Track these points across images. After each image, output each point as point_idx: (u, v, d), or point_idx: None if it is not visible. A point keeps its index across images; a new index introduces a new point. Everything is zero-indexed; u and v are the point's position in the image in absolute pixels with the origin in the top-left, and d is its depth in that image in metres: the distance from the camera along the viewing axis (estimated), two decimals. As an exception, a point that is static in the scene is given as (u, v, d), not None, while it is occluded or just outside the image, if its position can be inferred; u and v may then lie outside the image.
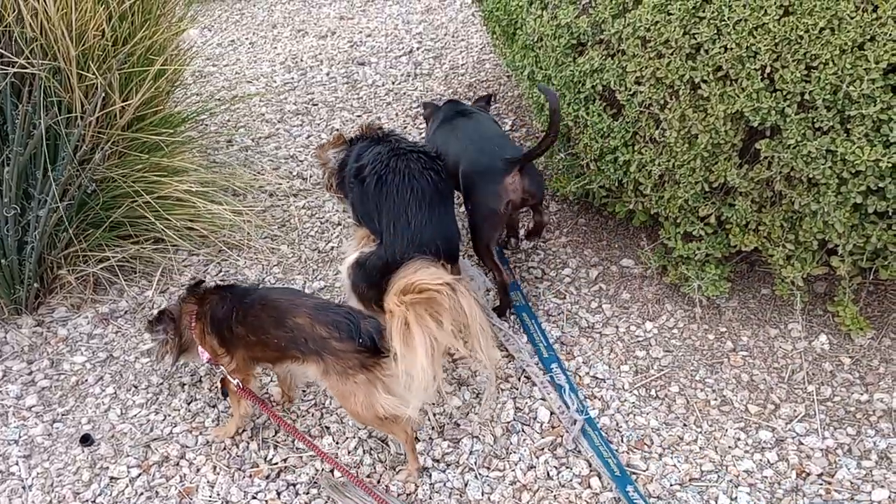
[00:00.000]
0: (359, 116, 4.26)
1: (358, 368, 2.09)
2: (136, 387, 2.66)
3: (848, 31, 2.10)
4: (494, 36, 3.51)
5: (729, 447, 2.35)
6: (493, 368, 2.26)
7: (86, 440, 2.46)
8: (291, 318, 2.17)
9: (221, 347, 2.30)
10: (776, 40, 2.21)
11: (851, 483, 2.21)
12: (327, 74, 4.81)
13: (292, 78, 4.80)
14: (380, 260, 2.49)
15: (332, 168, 2.86)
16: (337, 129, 3.95)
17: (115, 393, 2.64)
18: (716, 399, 2.51)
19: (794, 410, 2.44)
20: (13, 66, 2.65)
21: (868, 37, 2.09)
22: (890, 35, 2.04)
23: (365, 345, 2.09)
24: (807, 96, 2.20)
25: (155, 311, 2.26)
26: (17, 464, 2.41)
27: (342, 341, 2.09)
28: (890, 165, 2.11)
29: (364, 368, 2.09)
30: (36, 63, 2.65)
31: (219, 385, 2.47)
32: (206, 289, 2.38)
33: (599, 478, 2.27)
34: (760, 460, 2.30)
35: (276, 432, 2.47)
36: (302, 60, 5.05)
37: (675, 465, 2.30)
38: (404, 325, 1.96)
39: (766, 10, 2.21)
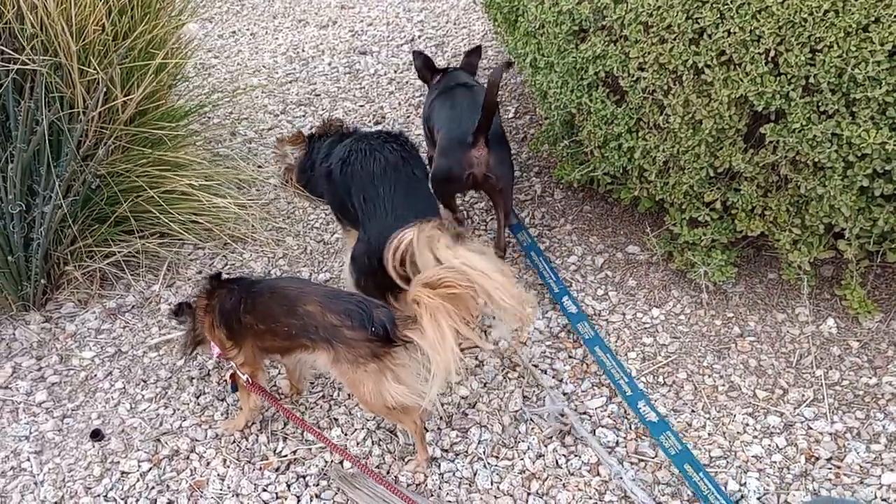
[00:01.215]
0: (361, 106, 4.25)
1: (369, 357, 2.09)
2: (144, 381, 2.68)
3: (852, 14, 2.08)
4: (496, 23, 3.49)
5: (737, 433, 2.35)
6: (526, 305, 2.23)
7: (96, 435, 2.48)
8: (301, 305, 2.16)
9: (229, 340, 2.29)
10: (780, 23, 2.19)
11: (861, 467, 2.21)
12: (329, 64, 4.79)
13: (294, 69, 4.78)
14: (361, 243, 2.47)
15: (289, 164, 2.87)
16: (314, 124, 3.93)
17: (123, 388, 2.66)
18: (724, 385, 2.51)
19: (803, 395, 2.44)
20: (14, 63, 2.64)
21: (873, 18, 2.07)
22: (894, 17, 2.02)
23: (377, 334, 2.08)
24: (811, 80, 2.18)
25: (175, 301, 2.26)
26: (28, 460, 2.43)
27: (354, 330, 2.09)
28: (896, 148, 2.10)
29: (375, 357, 2.09)
30: (37, 59, 2.64)
31: (228, 379, 2.47)
32: (217, 282, 2.38)
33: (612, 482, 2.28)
34: (769, 445, 2.30)
35: (285, 425, 2.48)
36: (303, 51, 5.03)
37: (683, 452, 2.30)
38: (431, 316, 1.98)
39: (769, -7, 2.19)
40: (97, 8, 2.74)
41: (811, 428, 2.34)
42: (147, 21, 2.97)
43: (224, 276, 2.41)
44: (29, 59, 2.65)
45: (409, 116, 4.16)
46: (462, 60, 3.45)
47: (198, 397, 2.60)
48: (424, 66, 3.42)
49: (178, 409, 2.56)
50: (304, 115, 4.24)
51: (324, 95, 4.43)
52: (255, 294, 2.26)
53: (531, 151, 3.63)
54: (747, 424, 2.37)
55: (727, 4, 2.26)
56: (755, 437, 2.33)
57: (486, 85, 2.68)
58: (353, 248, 2.56)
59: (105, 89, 2.75)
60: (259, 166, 3.70)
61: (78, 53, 2.74)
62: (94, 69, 2.75)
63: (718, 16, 2.29)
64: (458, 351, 1.99)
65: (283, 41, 5.21)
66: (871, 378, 2.46)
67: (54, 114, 2.68)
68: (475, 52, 3.47)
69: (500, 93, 4.21)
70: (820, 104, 2.20)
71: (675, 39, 2.40)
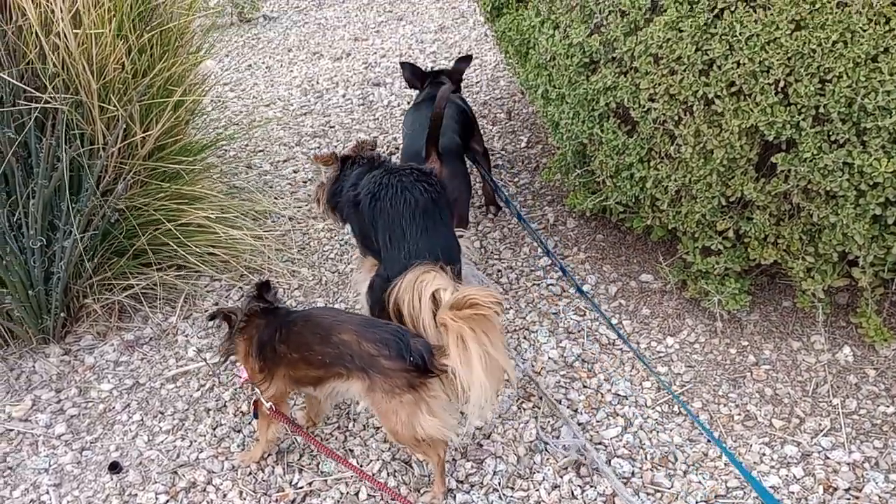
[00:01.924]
0: (374, 137, 4.30)
1: (405, 388, 2.08)
2: (162, 413, 2.70)
3: (861, 44, 2.10)
4: (507, 55, 3.54)
5: (754, 463, 2.34)
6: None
7: (114, 467, 2.50)
8: (336, 334, 2.16)
9: (261, 372, 2.29)
10: (789, 55, 2.21)
11: (880, 497, 2.19)
12: (343, 96, 4.86)
13: (309, 101, 4.85)
14: (380, 278, 2.50)
15: (321, 182, 2.88)
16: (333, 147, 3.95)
17: (141, 420, 2.68)
18: (739, 414, 2.50)
19: (820, 424, 2.43)
20: (37, 102, 2.71)
21: (882, 49, 2.09)
22: (903, 47, 2.04)
23: (415, 364, 2.07)
24: (821, 109, 2.20)
25: (217, 305, 2.30)
26: (47, 493, 2.45)
27: (391, 359, 2.08)
28: (908, 176, 2.10)
29: (411, 388, 2.08)
30: (58, 97, 2.71)
31: (251, 407, 2.49)
32: (258, 308, 2.34)
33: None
34: (787, 475, 2.29)
35: (301, 456, 2.49)
36: (318, 83, 5.11)
37: (700, 482, 2.29)
38: (460, 341, 1.98)
39: (777, 25, 2.21)
40: (118, 47, 2.81)
41: (829, 458, 2.32)
42: (166, 59, 3.04)
43: (269, 293, 2.39)
44: (51, 98, 2.71)
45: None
46: (452, 66, 3.58)
47: (214, 429, 2.61)
48: (413, 75, 3.57)
49: (195, 441, 2.58)
50: (318, 147, 4.29)
51: (338, 127, 4.48)
52: (289, 323, 2.27)
53: (544, 181, 3.66)
54: (764, 454, 2.36)
55: (736, 36, 2.29)
56: (772, 466, 2.32)
57: (455, 99, 2.79)
58: (371, 279, 2.59)
59: (125, 125, 2.81)
60: (275, 198, 3.74)
61: (98, 91, 2.80)
62: (115, 106, 2.81)
63: (727, 47, 2.32)
64: (487, 379, 1.99)
65: (297, 74, 5.29)
66: (888, 407, 2.44)
67: (75, 150, 2.74)
68: (465, 60, 3.60)
69: (510, 121, 4.26)
70: (831, 133, 2.21)
71: (684, 71, 2.42)
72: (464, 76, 3.69)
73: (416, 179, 2.55)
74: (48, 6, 2.73)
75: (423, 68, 3.63)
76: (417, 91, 3.60)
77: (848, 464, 2.29)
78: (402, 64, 3.59)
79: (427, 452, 2.24)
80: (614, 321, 2.90)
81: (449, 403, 2.15)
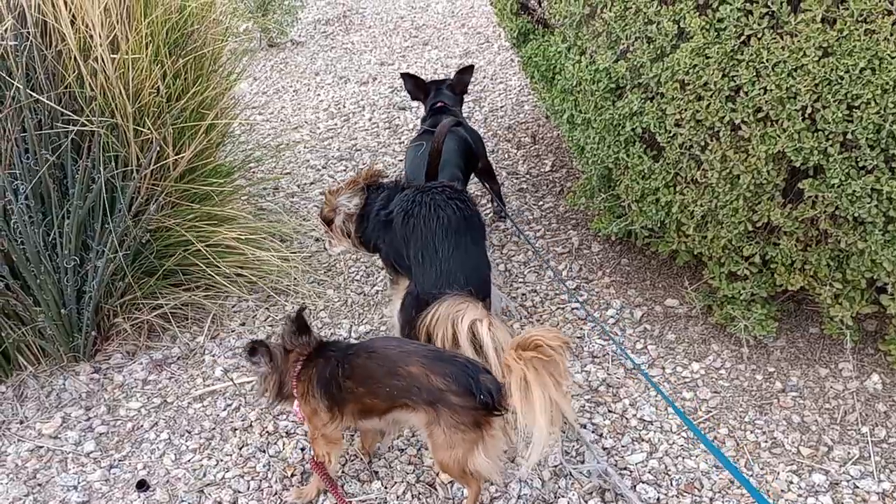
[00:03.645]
0: (400, 160, 4.34)
1: (469, 425, 2.03)
2: (189, 432, 2.73)
3: (889, 71, 2.10)
4: (533, 80, 3.57)
5: (782, 491, 2.31)
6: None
7: (142, 486, 2.52)
8: (404, 366, 2.11)
9: (330, 411, 2.22)
10: (816, 81, 2.22)
11: (911, 528, 2.16)
12: (369, 120, 4.92)
13: (335, 124, 4.92)
14: (410, 296, 2.53)
15: (348, 212, 2.83)
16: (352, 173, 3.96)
17: (169, 438, 2.71)
18: (766, 441, 2.48)
19: (848, 452, 2.40)
20: (74, 124, 2.78)
21: (910, 76, 2.09)
22: (932, 74, 2.04)
23: (483, 402, 2.01)
24: (849, 136, 2.20)
25: (252, 339, 2.23)
26: (76, 509, 2.48)
27: (460, 395, 2.03)
28: (937, 203, 2.09)
29: (475, 426, 2.04)
30: (95, 120, 2.77)
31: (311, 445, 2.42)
32: (309, 343, 2.26)
33: (650, 523, 2.25)
34: (815, 504, 2.27)
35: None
36: (344, 106, 5.18)
37: None
38: (524, 382, 1.94)
39: (804, 52, 2.22)
40: (153, 72, 2.88)
41: (857, 486, 2.29)
42: (199, 83, 3.11)
43: (314, 334, 2.30)
44: (87, 121, 2.78)
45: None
46: (454, 77, 3.65)
47: (241, 448, 2.63)
48: (415, 87, 3.65)
49: (222, 461, 2.60)
50: (345, 170, 4.34)
51: (364, 150, 4.54)
52: (351, 357, 2.21)
53: (568, 205, 3.67)
54: (791, 482, 2.34)
55: (763, 63, 2.30)
56: (800, 495, 2.29)
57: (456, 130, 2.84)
58: (403, 297, 2.61)
59: (158, 148, 2.87)
60: (302, 220, 3.79)
61: (134, 114, 2.87)
62: (149, 129, 2.88)
63: (754, 74, 2.33)
64: (547, 423, 1.95)
65: (324, 97, 5.37)
66: (919, 436, 2.42)
67: (109, 172, 2.80)
68: (467, 71, 3.67)
69: (535, 145, 4.29)
70: (858, 160, 2.21)
71: (711, 97, 2.44)
72: (468, 88, 3.75)
73: (449, 198, 2.58)
74: (87, 32, 2.81)
75: (425, 79, 3.67)
76: (422, 101, 3.67)
77: (878, 493, 2.26)
78: (403, 75, 3.65)
79: (469, 483, 2.20)
80: (639, 346, 2.89)
81: (504, 443, 2.13)
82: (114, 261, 2.82)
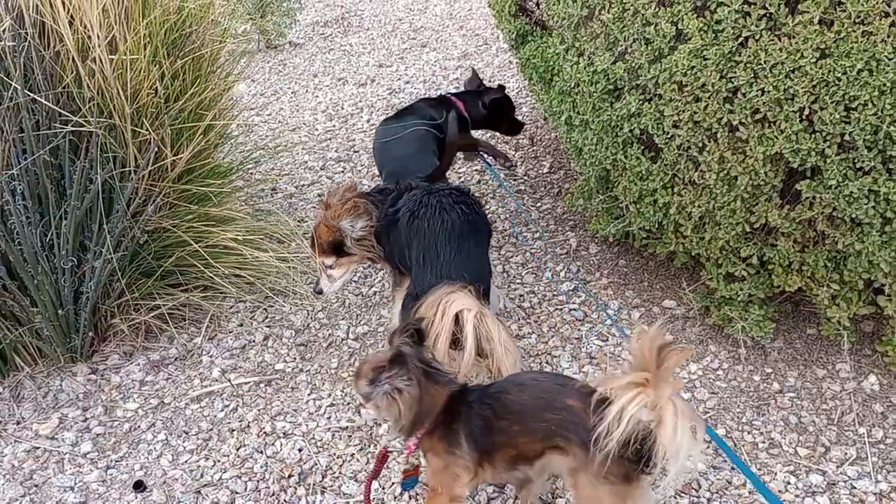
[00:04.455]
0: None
1: (620, 479, 1.79)
2: (186, 433, 2.72)
3: (887, 73, 2.11)
4: (531, 82, 3.57)
5: (779, 491, 2.31)
6: None
7: (139, 486, 2.52)
8: (562, 398, 1.88)
9: (476, 465, 1.97)
10: (814, 82, 2.22)
11: (908, 529, 2.16)
12: (367, 121, 4.92)
13: (333, 126, 4.92)
14: (410, 296, 2.51)
15: (353, 239, 2.70)
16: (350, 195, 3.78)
17: (166, 439, 2.70)
18: (764, 442, 2.48)
19: (846, 453, 2.40)
20: (71, 125, 2.77)
21: (907, 77, 2.10)
22: (929, 75, 2.04)
23: (639, 452, 1.74)
24: (847, 137, 2.20)
25: (387, 353, 1.92)
26: (73, 510, 2.47)
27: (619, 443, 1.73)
28: (935, 204, 2.10)
29: (626, 480, 1.79)
30: (93, 121, 2.77)
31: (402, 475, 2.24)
32: (449, 387, 2.01)
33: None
34: (812, 505, 2.27)
35: (324, 477, 2.50)
36: (342, 108, 5.18)
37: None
38: (672, 424, 1.66)
39: (802, 53, 2.22)
40: (151, 73, 2.88)
41: (855, 487, 2.29)
42: (198, 84, 3.11)
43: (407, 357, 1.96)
44: (85, 121, 2.78)
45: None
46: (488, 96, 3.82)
47: (238, 449, 2.63)
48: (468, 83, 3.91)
49: (219, 461, 2.60)
50: (343, 171, 4.34)
51: (362, 151, 4.54)
52: (499, 394, 1.97)
53: (566, 206, 3.67)
54: (789, 483, 2.34)
55: (761, 64, 2.30)
56: (797, 495, 2.30)
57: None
58: (403, 298, 2.60)
59: (156, 149, 2.87)
60: (300, 221, 3.79)
61: (132, 115, 2.87)
62: (147, 130, 2.88)
63: (752, 75, 2.33)
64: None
65: (322, 99, 5.37)
66: (916, 437, 2.42)
67: (107, 173, 2.80)
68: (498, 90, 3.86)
69: (533, 147, 4.30)
70: (856, 161, 2.22)
71: (709, 98, 2.44)
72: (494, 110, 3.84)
73: (455, 201, 2.58)
74: (85, 32, 2.81)
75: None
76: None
77: (875, 493, 2.26)
78: (474, 70, 3.97)
79: None
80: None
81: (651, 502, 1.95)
82: (111, 262, 2.82)
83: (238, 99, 4.08)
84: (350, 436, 2.64)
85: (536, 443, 1.90)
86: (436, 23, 6.59)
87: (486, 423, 1.94)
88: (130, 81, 2.83)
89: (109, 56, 2.80)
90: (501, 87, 3.88)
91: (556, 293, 3.21)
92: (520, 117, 4.62)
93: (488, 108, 3.75)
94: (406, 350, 1.94)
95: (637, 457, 1.75)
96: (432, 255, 2.48)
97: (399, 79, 5.53)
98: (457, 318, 2.18)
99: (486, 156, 4.05)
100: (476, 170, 4.22)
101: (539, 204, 3.84)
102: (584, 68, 2.88)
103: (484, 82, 3.97)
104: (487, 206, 3.87)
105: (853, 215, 2.26)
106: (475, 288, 2.27)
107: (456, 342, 2.19)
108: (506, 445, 1.94)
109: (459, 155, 4.13)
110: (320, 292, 2.95)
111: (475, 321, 2.17)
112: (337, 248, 2.74)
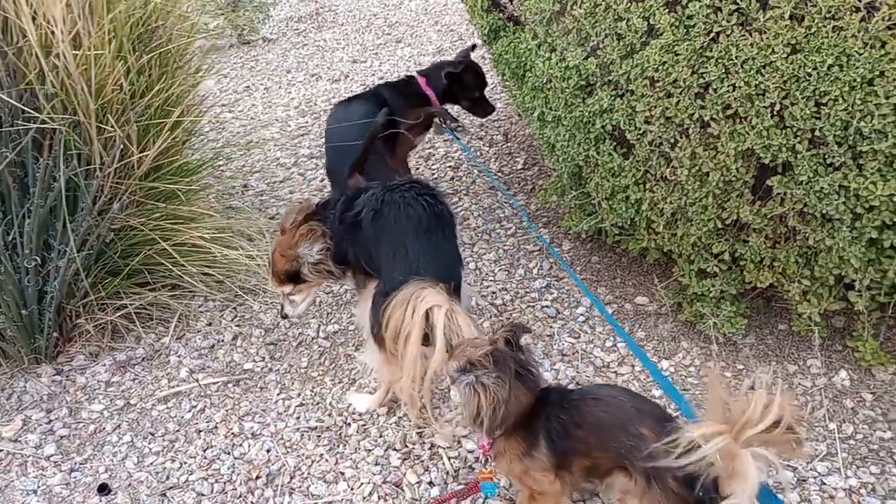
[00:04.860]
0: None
1: None
2: (152, 434, 2.67)
3: (857, 68, 2.10)
4: (504, 77, 3.55)
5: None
6: None
7: (103, 489, 2.47)
8: (636, 425, 1.82)
9: (556, 469, 1.94)
10: (784, 78, 2.22)
11: (878, 524, 2.17)
12: (341, 118, 4.87)
13: (306, 122, 4.87)
14: (380, 295, 2.43)
15: (311, 263, 2.62)
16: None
17: (131, 441, 2.65)
18: (736, 438, 2.48)
19: (816, 449, 2.40)
20: (35, 122, 2.71)
21: (877, 73, 2.09)
22: (898, 71, 2.04)
23: (701, 499, 1.67)
24: (817, 133, 2.20)
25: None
26: (35, 514, 2.42)
27: (678, 481, 1.70)
28: (904, 200, 2.10)
29: None
30: (56, 118, 2.71)
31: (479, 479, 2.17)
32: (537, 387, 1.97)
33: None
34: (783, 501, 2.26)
35: (291, 478, 2.46)
36: (316, 104, 5.12)
37: None
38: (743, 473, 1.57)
39: (773, 49, 2.22)
40: (116, 68, 2.82)
41: (825, 483, 2.29)
42: (164, 80, 3.05)
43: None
44: (49, 118, 2.71)
45: (418, 168, 4.21)
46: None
47: (205, 450, 2.59)
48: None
49: (185, 463, 2.55)
50: (315, 168, 4.29)
51: (335, 148, 4.49)
52: (577, 402, 1.94)
53: (540, 202, 3.65)
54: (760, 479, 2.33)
55: (732, 60, 2.30)
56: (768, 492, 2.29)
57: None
58: (373, 296, 2.54)
59: (122, 146, 2.81)
60: (270, 218, 3.73)
61: (96, 112, 2.81)
62: (112, 127, 2.81)
63: (724, 71, 2.32)
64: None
65: (295, 95, 5.31)
66: (885, 432, 2.42)
67: (72, 170, 2.74)
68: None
69: (507, 143, 4.28)
70: (826, 157, 2.21)
71: (681, 94, 2.43)
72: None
73: (419, 194, 2.53)
74: (48, 27, 2.74)
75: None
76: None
77: (844, 489, 2.27)
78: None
79: None
80: (608, 343, 2.89)
81: None
82: (76, 261, 2.76)
83: (207, 95, 4.01)
84: (319, 436, 2.61)
85: (608, 460, 1.87)
86: (410, 18, 6.55)
87: (565, 428, 1.90)
88: (95, 77, 2.77)
89: (73, 51, 2.74)
90: (461, 63, 3.78)
91: (528, 290, 3.20)
92: (494, 113, 4.58)
93: (446, 80, 3.70)
94: (503, 349, 1.89)
95: (699, 498, 1.68)
96: (401, 251, 2.44)
97: (373, 74, 5.49)
98: (427, 316, 2.15)
99: (452, 130, 3.97)
100: (450, 166, 4.20)
101: (512, 200, 3.81)
102: (557, 64, 2.86)
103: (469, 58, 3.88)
104: (460, 203, 3.84)
105: (824, 211, 2.26)
106: (445, 285, 2.23)
107: (427, 339, 2.17)
108: (582, 455, 1.91)
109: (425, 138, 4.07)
110: (286, 316, 2.93)
111: (445, 318, 2.14)
112: (294, 276, 2.68)
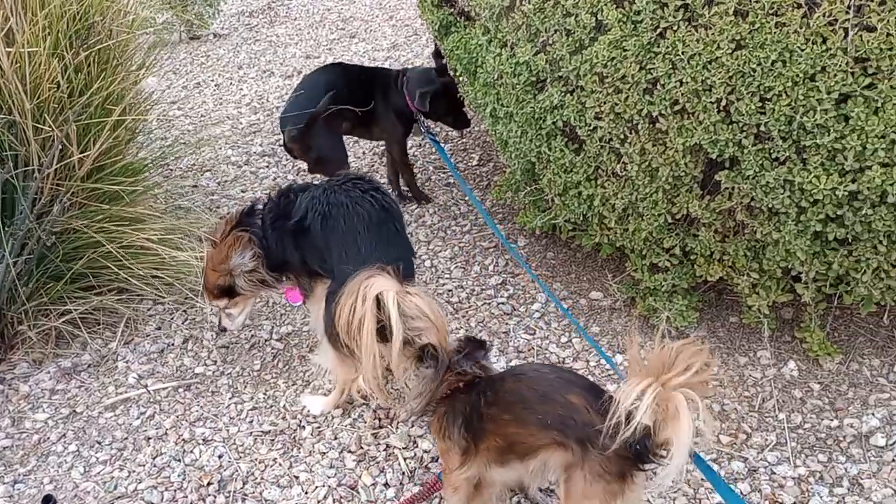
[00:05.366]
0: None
1: (615, 476, 1.76)
2: (99, 443, 2.60)
3: (799, 64, 2.13)
4: (457, 73, 3.53)
5: (702, 479, 2.33)
6: None
7: (48, 501, 2.38)
8: (563, 394, 1.84)
9: (464, 454, 1.98)
10: (730, 73, 2.23)
11: (826, 512, 2.20)
12: (294, 114, 4.80)
13: (258, 119, 4.79)
14: (333, 294, 2.36)
15: (245, 272, 2.58)
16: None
17: (77, 450, 2.58)
18: (688, 431, 2.49)
19: (766, 439, 2.44)
20: (-33, 121, 2.62)
21: (819, 68, 2.12)
22: (840, 66, 2.07)
23: (638, 452, 1.72)
24: (762, 128, 2.22)
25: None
26: (-25, 530, 2.34)
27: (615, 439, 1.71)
28: (846, 193, 2.13)
29: (620, 478, 1.76)
30: (-10, 117, 2.62)
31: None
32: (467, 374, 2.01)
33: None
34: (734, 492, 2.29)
35: (245, 484, 2.42)
36: (268, 101, 5.05)
37: (648, 501, 2.28)
38: (675, 419, 1.64)
39: (718, 45, 2.23)
40: (52, 66, 2.72)
41: (774, 472, 2.33)
42: (104, 77, 2.96)
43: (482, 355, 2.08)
44: (-19, 118, 2.62)
45: (373, 165, 4.17)
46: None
47: (154, 458, 2.52)
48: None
49: (134, 472, 2.48)
50: (267, 166, 4.23)
51: (288, 145, 4.42)
52: (496, 382, 1.98)
53: (495, 199, 3.64)
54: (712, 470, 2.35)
55: (679, 55, 2.30)
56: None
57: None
58: (325, 297, 2.49)
59: (60, 146, 2.73)
60: (220, 218, 3.66)
61: (32, 111, 2.71)
62: (50, 126, 2.72)
63: (671, 66, 2.33)
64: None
65: (247, 92, 5.22)
66: (832, 420, 2.47)
67: (7, 172, 2.64)
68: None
69: (462, 139, 4.26)
70: (772, 151, 2.24)
71: (629, 89, 2.44)
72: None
73: (364, 191, 2.49)
74: (-21, 24, 2.64)
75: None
76: None
77: (793, 478, 2.30)
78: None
79: None
80: (563, 339, 2.89)
81: (641, 501, 1.91)
82: (15, 266, 2.67)
83: (150, 92, 3.91)
84: (273, 440, 2.56)
85: (528, 436, 1.86)
86: (365, 13, 6.49)
87: (475, 408, 1.94)
88: (30, 75, 2.67)
89: (6, 49, 2.64)
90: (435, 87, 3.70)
91: (484, 287, 3.18)
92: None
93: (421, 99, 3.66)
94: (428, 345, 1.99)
95: (636, 455, 1.73)
96: (353, 250, 2.40)
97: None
98: (379, 303, 2.06)
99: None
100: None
101: (468, 197, 3.80)
102: (507, 60, 2.84)
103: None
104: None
105: (770, 205, 2.29)
106: (393, 268, 2.17)
107: (383, 329, 2.09)
108: (492, 434, 1.92)
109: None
110: (224, 330, 2.90)
111: (398, 300, 2.05)
112: (229, 290, 2.63)
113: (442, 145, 3.93)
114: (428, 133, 3.73)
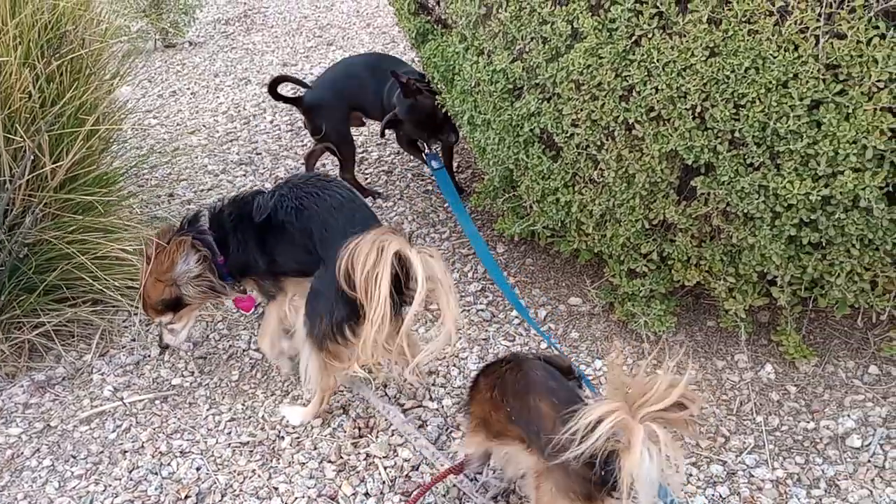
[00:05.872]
0: (303, 163, 4.23)
1: (581, 497, 1.76)
2: (74, 457, 2.56)
3: (772, 70, 2.15)
4: (434, 81, 3.53)
5: (681, 483, 2.34)
6: (455, 324, 2.16)
7: (22, 518, 2.36)
8: (535, 397, 1.86)
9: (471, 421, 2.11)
10: (704, 80, 2.25)
11: (804, 514, 2.22)
12: (271, 122, 4.78)
13: (235, 127, 4.76)
14: (333, 280, 2.21)
15: (191, 277, 2.51)
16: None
17: (52, 465, 2.54)
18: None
19: (744, 442, 2.45)
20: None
21: (791, 75, 2.14)
22: (811, 73, 2.09)
23: (604, 479, 1.69)
24: (737, 134, 2.24)
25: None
26: (-53, 548, 2.29)
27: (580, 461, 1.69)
28: (820, 198, 2.16)
29: (587, 499, 1.76)
30: (-40, 128, 2.57)
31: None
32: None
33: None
34: (713, 495, 2.30)
35: (223, 496, 2.39)
36: (245, 109, 5.02)
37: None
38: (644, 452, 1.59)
39: (692, 52, 2.25)
40: (24, 76, 2.69)
41: (753, 475, 2.34)
42: (76, 87, 2.92)
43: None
44: (-49, 128, 2.58)
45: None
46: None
47: (131, 472, 2.49)
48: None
49: (110, 486, 2.45)
50: (244, 175, 4.20)
51: (265, 154, 4.40)
52: (502, 359, 2.11)
53: (473, 206, 3.64)
54: (691, 474, 2.37)
55: (654, 63, 2.32)
56: (699, 487, 2.33)
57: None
58: (311, 289, 2.44)
59: (33, 157, 2.69)
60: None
61: (3, 121, 2.67)
62: (21, 137, 2.68)
63: (646, 73, 2.35)
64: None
65: (224, 100, 5.19)
66: (809, 423, 2.49)
67: (-22, 183, 2.60)
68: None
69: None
70: (746, 157, 2.26)
71: (605, 96, 2.45)
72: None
73: (327, 183, 2.52)
74: (-52, 33, 2.60)
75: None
76: None
77: (771, 481, 2.32)
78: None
79: None
80: (543, 346, 2.89)
81: None
82: (-14, 278, 2.63)
83: (125, 101, 3.87)
84: (251, 451, 2.54)
85: (496, 421, 1.96)
86: (342, 20, 6.48)
87: (477, 379, 2.14)
88: (0, 85, 2.63)
89: (-24, 58, 2.61)
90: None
91: (463, 294, 3.18)
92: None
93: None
94: None
95: (602, 479, 1.70)
96: (333, 229, 2.37)
97: (305, 78, 5.39)
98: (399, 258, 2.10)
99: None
100: (383, 170, 4.16)
101: (447, 204, 3.79)
102: (484, 67, 2.85)
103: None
104: (395, 207, 3.81)
105: (745, 210, 2.31)
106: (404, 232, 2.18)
107: (398, 285, 2.14)
108: (479, 404, 2.06)
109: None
110: (166, 347, 2.85)
111: (420, 259, 2.08)
112: (173, 304, 2.58)
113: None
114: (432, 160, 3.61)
